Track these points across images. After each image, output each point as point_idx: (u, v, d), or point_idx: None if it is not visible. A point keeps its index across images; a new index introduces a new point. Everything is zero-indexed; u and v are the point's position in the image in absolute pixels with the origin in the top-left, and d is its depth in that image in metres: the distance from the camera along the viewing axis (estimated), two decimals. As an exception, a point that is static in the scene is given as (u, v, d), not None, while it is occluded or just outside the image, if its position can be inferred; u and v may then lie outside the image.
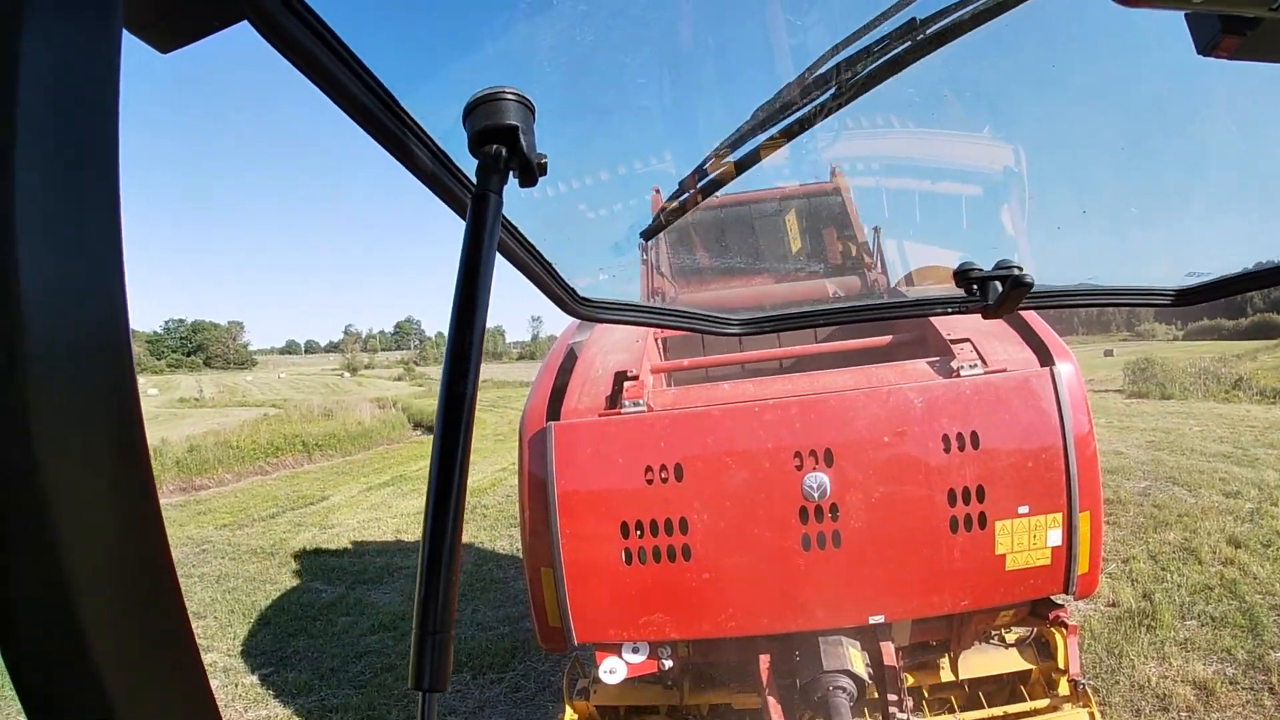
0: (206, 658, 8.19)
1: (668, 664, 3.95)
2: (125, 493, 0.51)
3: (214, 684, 7.37)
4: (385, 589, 10.28)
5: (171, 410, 50.54)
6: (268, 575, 11.30)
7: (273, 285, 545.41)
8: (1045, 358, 3.75)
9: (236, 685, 7.56)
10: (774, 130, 1.75)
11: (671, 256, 6.12)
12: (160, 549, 0.54)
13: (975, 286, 1.69)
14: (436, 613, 0.82)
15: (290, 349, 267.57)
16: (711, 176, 1.92)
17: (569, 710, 4.81)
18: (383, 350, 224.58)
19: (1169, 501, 10.40)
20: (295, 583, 10.90)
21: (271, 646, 8.56)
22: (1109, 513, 3.32)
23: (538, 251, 1.59)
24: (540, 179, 1.01)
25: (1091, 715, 4.20)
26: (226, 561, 12.22)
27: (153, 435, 24.99)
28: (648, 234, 2.28)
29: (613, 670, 3.88)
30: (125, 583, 0.51)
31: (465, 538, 10.48)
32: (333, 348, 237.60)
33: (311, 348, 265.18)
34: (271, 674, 7.83)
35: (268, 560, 12.16)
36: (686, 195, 2.00)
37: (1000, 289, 1.65)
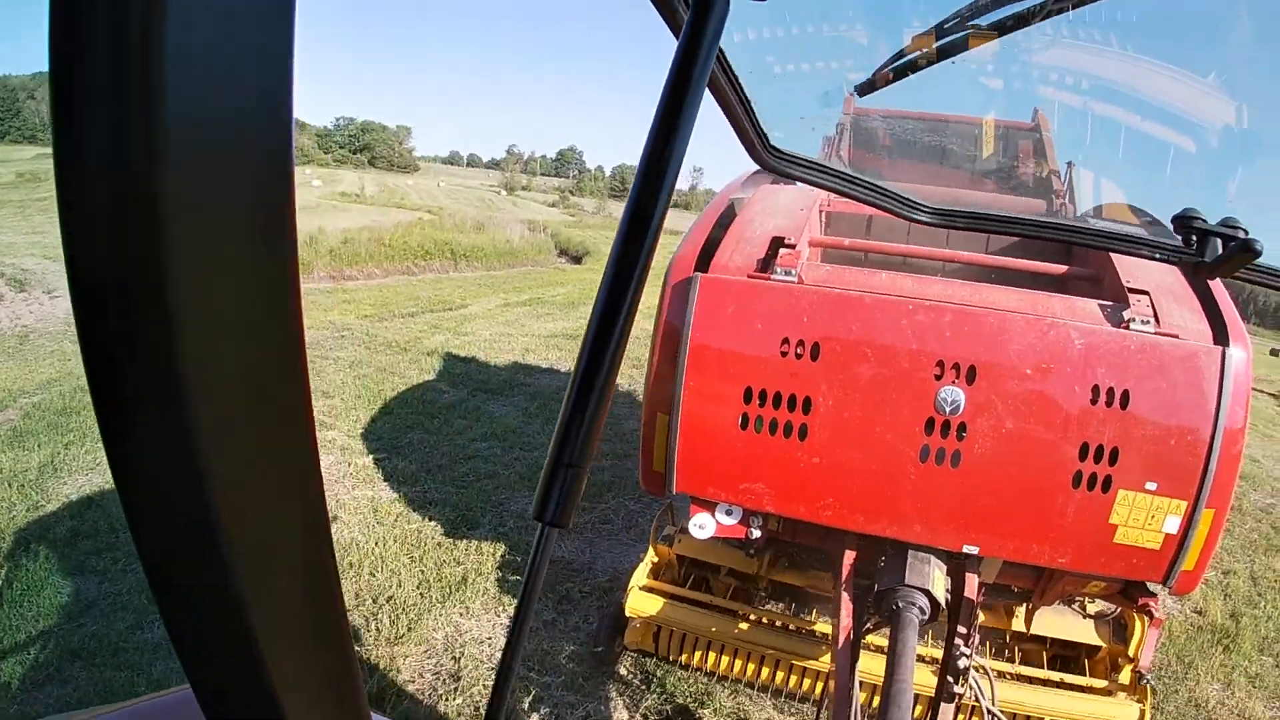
0: (327, 434, 8.70)
1: (755, 533, 3.97)
2: (272, 310, 0.44)
3: (329, 460, 7.86)
4: (504, 401, 10.56)
5: (332, 203, 52.55)
6: (397, 369, 11.75)
7: (445, 95, 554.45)
8: (1221, 336, 3.40)
9: (350, 464, 7.97)
10: (991, 18, 1.65)
11: (854, 149, 5.74)
12: (298, 370, 0.47)
13: (1194, 238, 1.53)
14: (575, 446, 0.76)
15: (453, 159, 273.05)
16: (910, 57, 1.84)
17: (651, 550, 4.91)
18: (542, 175, 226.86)
19: (1290, 528, 9.55)
20: (421, 379, 11.32)
21: (389, 434, 8.96)
22: (1226, 519, 3.08)
23: (740, 85, 1.49)
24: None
25: (1142, 712, 4.10)
26: (361, 349, 12.79)
27: (311, 223, 26.30)
28: (863, 89, 2.08)
29: (702, 526, 3.96)
30: (257, 422, 0.46)
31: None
32: (493, 164, 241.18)
33: (473, 161, 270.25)
34: (384, 459, 8.21)
35: (400, 354, 12.66)
36: (909, 59, 1.89)
37: (1221, 248, 1.48)
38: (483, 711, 4.63)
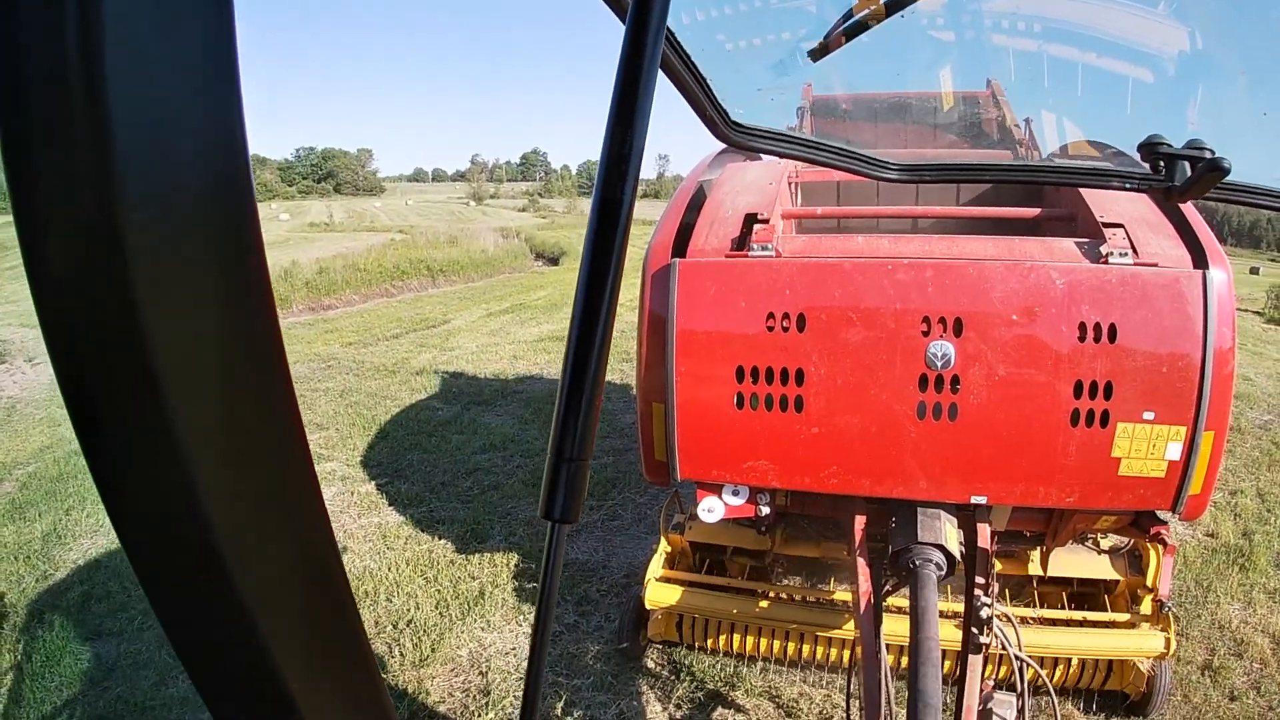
0: (326, 466, 8.66)
1: (765, 510, 3.99)
2: (250, 360, 0.45)
3: (331, 491, 7.85)
4: (498, 411, 10.55)
5: (302, 234, 52.42)
6: (388, 392, 11.71)
7: (403, 113, 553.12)
8: (1200, 260, 3.41)
9: (353, 493, 7.95)
10: None
11: (816, 125, 5.73)
12: (290, 413, 0.48)
13: (1162, 164, 1.52)
14: (574, 440, 0.75)
15: (418, 177, 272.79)
16: (860, 16, 1.81)
17: (663, 541, 4.91)
18: (508, 181, 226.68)
19: (1290, 443, 9.59)
20: (413, 400, 11.28)
21: (387, 459, 8.94)
22: (1226, 440, 3.14)
23: (695, 65, 1.49)
24: None
25: (1168, 641, 4.14)
26: (350, 377, 12.74)
27: (284, 258, 26.15)
28: (814, 55, 2.07)
29: (711, 509, 3.96)
30: (249, 458, 0.47)
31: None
32: (459, 177, 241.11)
33: (439, 176, 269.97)
34: (386, 484, 8.20)
35: (389, 378, 12.62)
36: (859, 18, 1.84)
37: (1190, 171, 1.48)
38: (516, 722, 4.63)
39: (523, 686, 0.84)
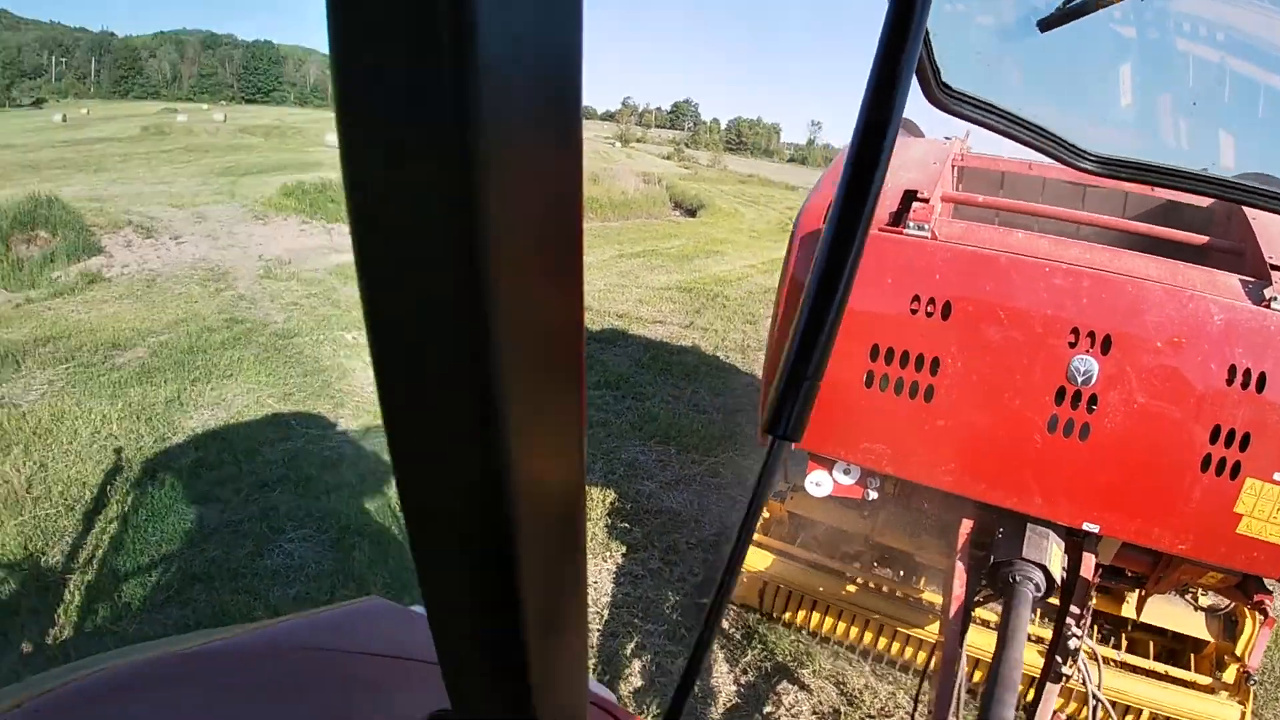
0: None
1: (872, 495, 3.90)
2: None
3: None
4: (616, 351, 10.65)
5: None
6: (513, 319, 11.87)
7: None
8: None
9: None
10: None
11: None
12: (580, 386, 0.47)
13: None
14: (813, 359, 0.77)
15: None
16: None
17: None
18: (657, 127, 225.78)
19: None
20: (535, 329, 11.39)
21: (502, 386, 9.07)
22: None
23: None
24: None
25: (1244, 715, 3.97)
26: (476, 299, 12.95)
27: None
28: (1045, 25, 1.99)
29: (819, 483, 3.90)
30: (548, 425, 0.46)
31: (705, 321, 10.50)
32: (608, 117, 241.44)
33: (589, 113, 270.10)
34: (499, 410, 8.34)
35: (516, 306, 12.78)
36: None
37: None
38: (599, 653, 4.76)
39: (713, 592, 0.83)
